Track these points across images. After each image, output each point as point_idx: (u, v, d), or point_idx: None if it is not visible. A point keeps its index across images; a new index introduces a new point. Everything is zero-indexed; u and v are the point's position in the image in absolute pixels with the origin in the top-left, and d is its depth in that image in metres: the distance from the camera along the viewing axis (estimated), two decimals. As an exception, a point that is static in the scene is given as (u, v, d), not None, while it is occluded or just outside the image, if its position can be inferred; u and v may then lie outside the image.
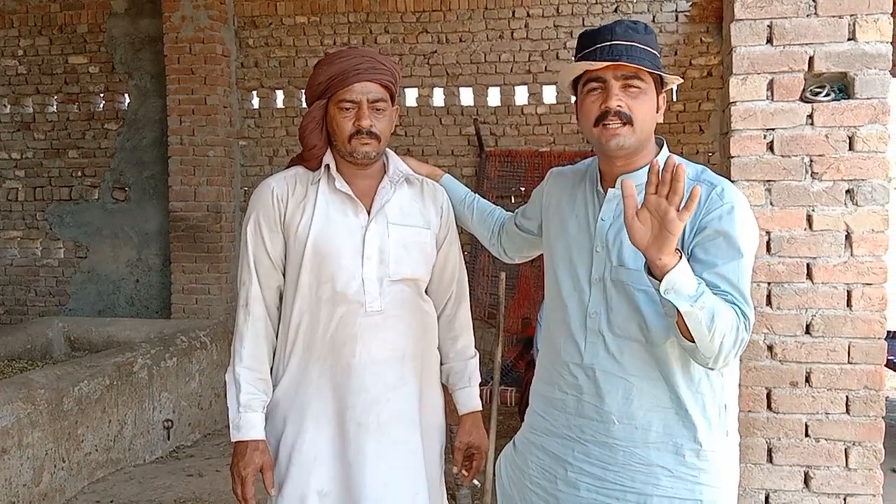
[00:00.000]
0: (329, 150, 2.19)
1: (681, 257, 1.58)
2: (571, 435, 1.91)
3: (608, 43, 1.78)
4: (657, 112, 1.85)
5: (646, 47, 1.79)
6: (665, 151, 1.89)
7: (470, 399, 2.36)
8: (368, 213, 2.16)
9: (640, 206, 1.60)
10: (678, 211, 1.54)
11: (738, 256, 1.70)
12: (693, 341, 1.63)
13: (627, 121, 1.78)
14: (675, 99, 6.56)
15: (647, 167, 1.77)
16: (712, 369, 1.74)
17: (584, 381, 1.87)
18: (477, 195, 2.45)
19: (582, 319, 1.89)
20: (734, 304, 1.68)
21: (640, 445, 1.81)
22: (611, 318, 1.83)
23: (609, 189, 1.88)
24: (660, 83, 1.86)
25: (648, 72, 1.80)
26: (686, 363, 1.78)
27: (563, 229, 1.99)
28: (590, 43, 1.82)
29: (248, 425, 2.10)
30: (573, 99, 1.95)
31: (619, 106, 1.77)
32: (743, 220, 1.74)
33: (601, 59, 1.78)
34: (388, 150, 2.24)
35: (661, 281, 1.58)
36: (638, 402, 1.81)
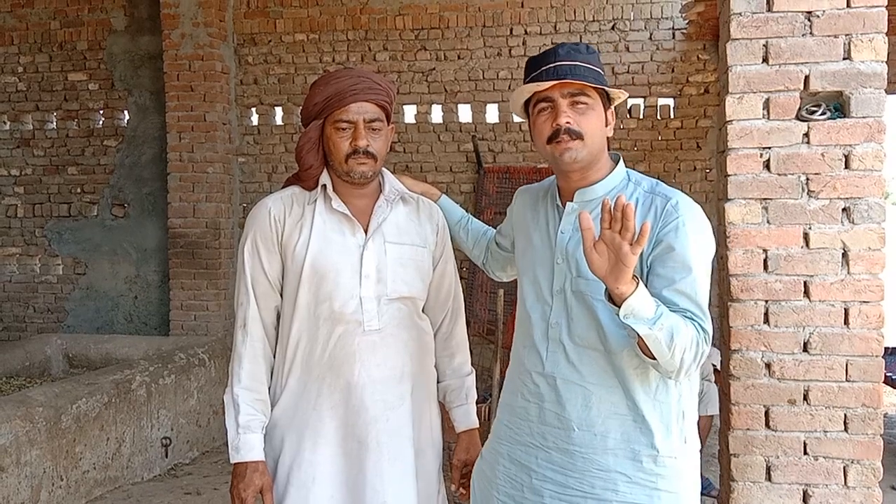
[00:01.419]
0: (325, 170, 2.20)
1: (638, 284, 1.66)
2: (534, 442, 1.96)
3: (553, 64, 1.88)
4: (606, 126, 1.94)
5: (589, 66, 1.89)
6: (621, 166, 1.98)
7: (467, 416, 2.36)
8: (365, 232, 2.17)
9: (597, 238, 1.67)
10: (631, 245, 1.60)
11: (690, 272, 1.78)
12: (654, 358, 1.71)
13: (577, 136, 1.86)
14: (672, 115, 6.59)
15: (603, 181, 1.91)
16: (674, 380, 1.82)
17: (545, 389, 1.94)
18: (472, 217, 2.50)
19: (544, 329, 1.95)
20: (693, 319, 1.76)
21: (598, 452, 1.87)
22: (571, 327, 1.90)
23: (567, 203, 1.97)
24: (607, 99, 1.95)
25: (594, 88, 1.89)
26: (643, 372, 1.84)
27: (529, 243, 2.07)
28: (536, 66, 1.92)
29: (248, 446, 2.10)
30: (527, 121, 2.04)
31: (567, 122, 1.86)
32: (694, 233, 1.82)
33: (547, 80, 1.87)
34: (383, 168, 2.25)
35: (620, 307, 1.66)
36: (596, 410, 1.87)
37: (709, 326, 1.78)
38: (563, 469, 1.90)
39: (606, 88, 1.92)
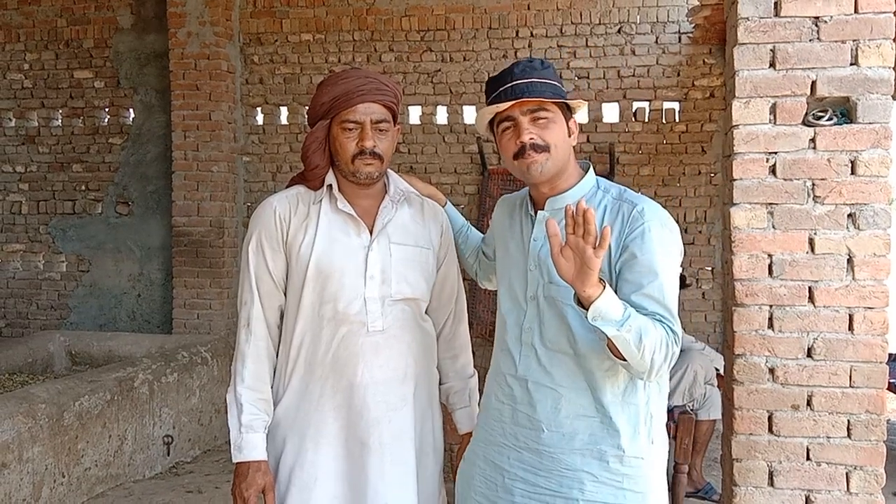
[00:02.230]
0: (331, 170, 2.20)
1: (604, 287, 1.72)
2: (507, 443, 2.03)
3: (509, 84, 1.95)
4: (570, 136, 2.01)
5: (545, 80, 1.95)
6: (591, 174, 2.04)
7: (470, 419, 2.36)
8: (370, 232, 2.17)
9: (563, 243, 1.73)
10: (594, 248, 1.67)
11: (657, 276, 1.83)
12: (624, 359, 1.77)
13: (542, 149, 1.93)
14: (677, 119, 6.58)
15: (572, 190, 1.98)
16: (646, 381, 1.87)
17: (518, 392, 2.01)
18: (471, 226, 2.55)
19: (517, 334, 2.03)
20: (662, 321, 1.81)
21: (566, 452, 1.93)
22: (543, 331, 1.97)
23: (539, 212, 2.04)
24: (567, 109, 2.01)
25: (553, 102, 1.95)
26: (612, 374, 1.91)
27: (506, 251, 2.14)
28: (495, 87, 1.99)
29: (250, 446, 2.10)
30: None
31: (531, 138, 1.93)
32: (660, 239, 1.87)
33: (506, 100, 1.94)
34: (388, 169, 2.25)
35: (588, 310, 1.72)
36: (565, 411, 1.94)
37: (678, 328, 1.84)
38: (534, 468, 1.97)
39: (564, 100, 1.98)
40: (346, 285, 2.13)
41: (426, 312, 2.31)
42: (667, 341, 1.79)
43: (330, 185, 2.18)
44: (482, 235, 2.50)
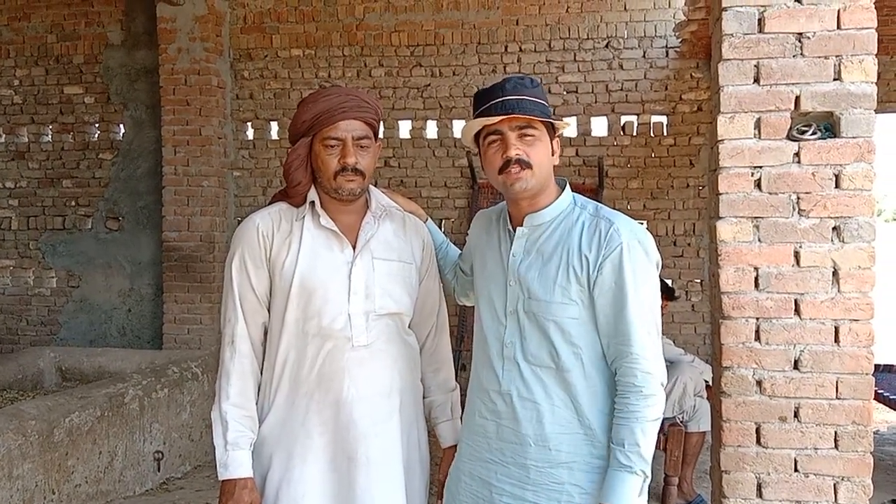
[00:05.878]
0: (313, 187, 2.22)
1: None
2: (493, 458, 2.06)
3: (500, 99, 1.98)
4: (553, 155, 2.05)
5: (534, 99, 1.99)
6: (568, 191, 2.08)
7: (452, 432, 2.37)
8: (353, 248, 2.19)
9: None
10: None
11: (632, 326, 1.90)
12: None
13: (527, 166, 1.97)
14: (665, 133, 6.63)
15: (550, 207, 2.03)
16: None
17: (502, 407, 2.04)
18: (450, 243, 2.57)
19: (499, 349, 2.05)
20: (633, 367, 1.91)
21: (554, 465, 1.96)
22: (524, 346, 2.01)
23: (518, 228, 2.07)
24: (552, 129, 2.05)
25: (540, 121, 1.99)
26: (593, 388, 1.96)
27: (484, 266, 2.17)
28: (485, 100, 2.02)
29: (236, 463, 2.10)
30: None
31: (517, 154, 1.97)
32: (634, 259, 1.93)
33: (496, 114, 1.97)
34: (369, 185, 2.28)
35: None
36: (550, 425, 1.97)
37: (651, 368, 1.91)
38: (521, 483, 2.00)
39: (552, 120, 2.02)
40: (330, 301, 2.14)
41: (409, 326, 2.32)
42: (649, 420, 1.89)
43: (312, 202, 2.20)
44: (460, 252, 2.52)
